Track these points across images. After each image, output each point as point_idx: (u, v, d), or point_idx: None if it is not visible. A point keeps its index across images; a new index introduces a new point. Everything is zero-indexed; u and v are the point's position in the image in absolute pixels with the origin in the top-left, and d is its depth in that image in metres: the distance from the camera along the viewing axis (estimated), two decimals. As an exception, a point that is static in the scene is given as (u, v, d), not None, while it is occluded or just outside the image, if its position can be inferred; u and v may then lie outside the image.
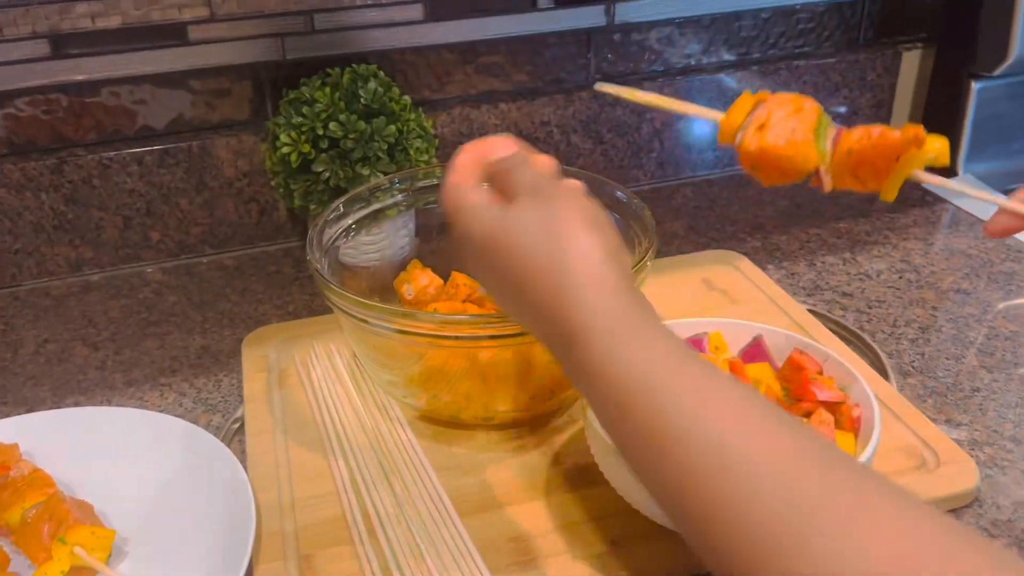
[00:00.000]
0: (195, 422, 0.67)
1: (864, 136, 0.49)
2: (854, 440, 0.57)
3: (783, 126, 0.50)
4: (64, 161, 0.87)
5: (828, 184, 0.50)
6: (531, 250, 0.44)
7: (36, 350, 0.80)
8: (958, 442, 0.64)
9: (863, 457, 0.53)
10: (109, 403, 0.73)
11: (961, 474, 0.60)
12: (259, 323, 0.81)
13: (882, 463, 0.59)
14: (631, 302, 0.43)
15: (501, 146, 0.52)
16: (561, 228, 0.44)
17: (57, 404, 0.73)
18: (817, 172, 0.51)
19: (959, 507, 0.60)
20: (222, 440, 0.65)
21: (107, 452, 0.65)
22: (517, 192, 0.47)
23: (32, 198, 0.87)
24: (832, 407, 0.58)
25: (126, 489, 0.62)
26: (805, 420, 0.57)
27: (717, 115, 0.54)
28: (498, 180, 0.49)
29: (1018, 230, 0.49)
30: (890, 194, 0.49)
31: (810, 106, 0.50)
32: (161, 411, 0.69)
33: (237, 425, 0.69)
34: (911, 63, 1.10)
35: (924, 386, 0.71)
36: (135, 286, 0.90)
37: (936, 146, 0.47)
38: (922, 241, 0.93)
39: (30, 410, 0.71)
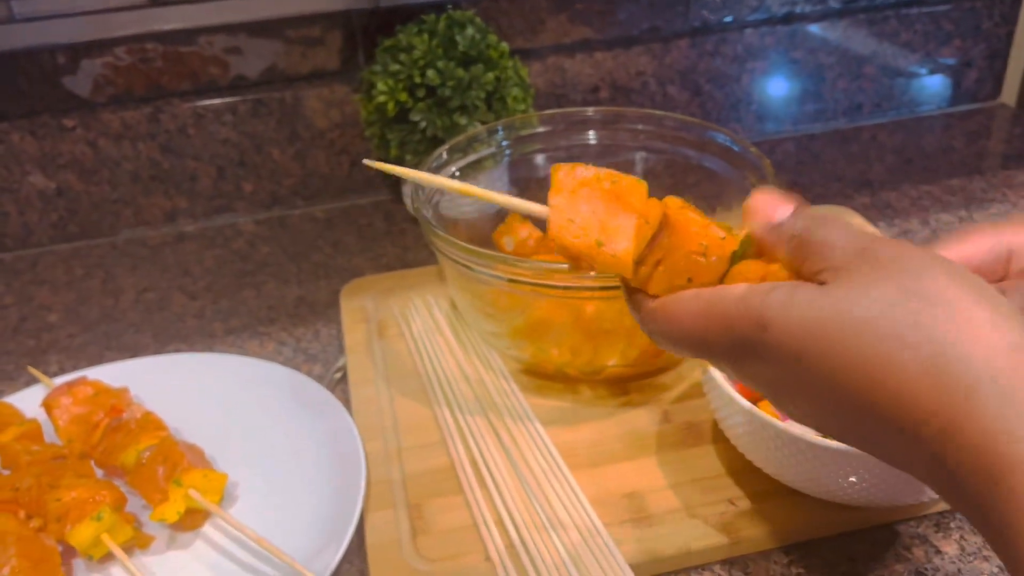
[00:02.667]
0: (296, 371, 0.67)
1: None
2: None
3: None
4: (160, 110, 0.87)
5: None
6: (893, 342, 0.29)
7: (136, 298, 0.81)
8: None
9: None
10: (211, 351, 0.73)
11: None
12: (353, 275, 0.80)
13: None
14: None
15: (771, 203, 0.37)
16: (938, 308, 0.30)
17: (159, 351, 0.73)
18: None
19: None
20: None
21: (213, 397, 0.65)
22: (831, 264, 0.33)
23: (130, 147, 0.87)
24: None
25: (233, 434, 0.62)
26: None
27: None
28: (792, 253, 0.35)
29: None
30: None
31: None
32: (263, 359, 0.69)
33: (339, 375, 0.69)
34: (1030, 10, 1.04)
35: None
36: (228, 237, 0.90)
37: None
38: (1043, 198, 0.87)
39: (134, 355, 0.72)
